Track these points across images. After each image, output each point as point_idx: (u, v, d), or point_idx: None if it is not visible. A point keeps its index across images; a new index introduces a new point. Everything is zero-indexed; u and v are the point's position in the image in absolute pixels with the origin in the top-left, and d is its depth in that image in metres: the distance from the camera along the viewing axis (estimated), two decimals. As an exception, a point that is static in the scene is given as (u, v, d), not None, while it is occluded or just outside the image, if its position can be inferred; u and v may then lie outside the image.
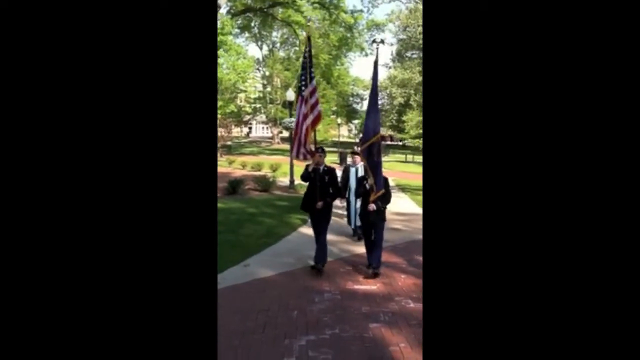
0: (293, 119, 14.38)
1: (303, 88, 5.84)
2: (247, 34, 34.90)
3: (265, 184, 11.79)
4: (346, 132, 54.05)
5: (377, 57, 5.47)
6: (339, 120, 39.65)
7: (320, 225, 5.26)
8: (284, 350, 3.21)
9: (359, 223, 6.23)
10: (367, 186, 5.06)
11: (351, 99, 46.25)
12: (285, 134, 22.98)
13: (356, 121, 49.12)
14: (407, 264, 5.60)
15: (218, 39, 19.71)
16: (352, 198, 6.59)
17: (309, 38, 6.23)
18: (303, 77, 5.90)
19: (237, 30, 30.16)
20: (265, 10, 26.29)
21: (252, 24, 32.64)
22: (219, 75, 19.71)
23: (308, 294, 4.43)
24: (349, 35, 31.48)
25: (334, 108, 39.66)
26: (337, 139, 38.36)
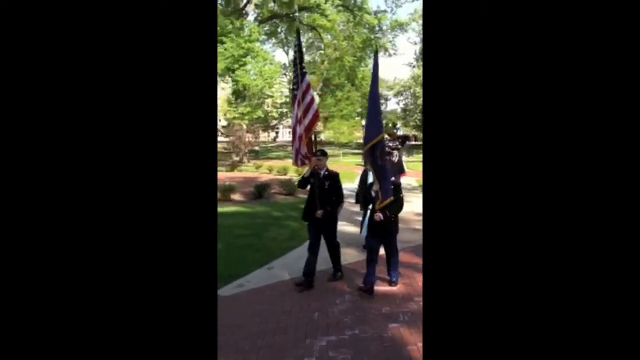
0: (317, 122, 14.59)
1: (295, 87, 5.12)
2: (273, 40, 35.35)
3: (290, 187, 11.96)
4: (372, 133, 53.61)
5: (376, 47, 5.43)
6: (363, 122, 39.56)
7: (327, 233, 4.90)
8: (304, 351, 3.33)
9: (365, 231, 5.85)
10: (373, 193, 4.59)
11: (376, 100, 45.97)
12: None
13: (382, 122, 48.77)
14: (429, 265, 5.62)
15: (246, 46, 20.07)
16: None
17: (298, 31, 5.62)
18: (295, 76, 5.17)
19: (264, 37, 30.63)
20: (291, 15, 26.60)
21: (279, 30, 33.05)
22: (246, 81, 20.03)
23: (329, 296, 4.53)
24: (372, 36, 31.44)
25: (359, 109, 39.53)
26: (361, 141, 38.28)
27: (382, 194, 4.41)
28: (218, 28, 20.03)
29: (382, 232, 4.57)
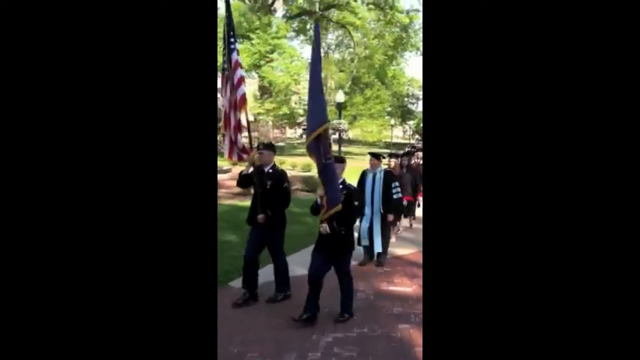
0: (342, 121, 14.41)
1: (226, 66, 4.16)
2: (302, 37, 35.51)
3: (313, 184, 11.94)
4: (401, 132, 53.37)
5: (317, 21, 4.86)
6: (392, 121, 39.26)
7: (271, 246, 4.24)
8: (310, 346, 3.30)
9: (364, 242, 5.43)
10: (318, 199, 3.63)
11: (406, 99, 45.66)
12: (336, 135, 23.23)
13: (411, 122, 48.37)
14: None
15: (272, 42, 20.17)
16: (367, 211, 5.43)
17: (227, 1, 4.36)
18: (224, 53, 4.20)
19: (292, 34, 30.77)
20: (320, 12, 26.61)
21: (308, 27, 33.16)
22: (272, 78, 20.15)
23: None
24: (404, 35, 31.10)
25: (389, 109, 39.26)
26: (389, 140, 38.08)
27: (327, 200, 3.47)
28: (245, 24, 20.17)
29: (329, 250, 3.68)
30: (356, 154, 30.51)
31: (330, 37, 38.47)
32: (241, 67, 4.19)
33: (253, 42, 19.83)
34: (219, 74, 4.29)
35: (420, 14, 30.78)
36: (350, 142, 37.93)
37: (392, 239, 6.31)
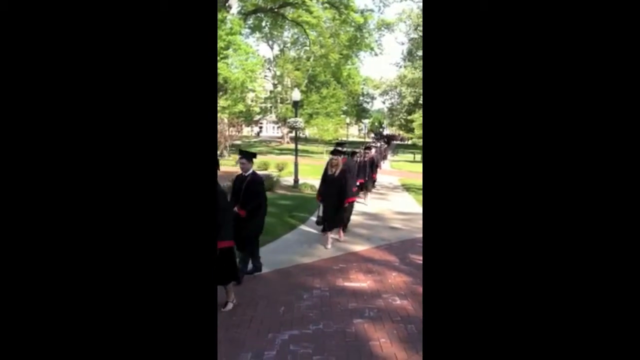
0: (298, 119, 14.53)
1: None
2: (258, 34, 35.15)
3: (269, 183, 11.90)
4: (356, 131, 54.08)
5: None
6: (347, 120, 39.75)
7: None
8: (265, 344, 3.30)
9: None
10: None
11: (361, 98, 46.35)
12: (292, 133, 23.15)
13: (366, 120, 49.11)
14: (400, 262, 5.65)
15: (227, 39, 19.84)
16: None
17: None
18: None
19: (247, 30, 30.39)
20: (275, 10, 26.43)
21: (263, 24, 32.85)
22: (226, 74, 19.79)
23: (298, 291, 4.51)
24: (359, 34, 31.50)
25: (344, 107, 39.71)
26: (346, 138, 38.49)
27: None
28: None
29: None
30: (315, 152, 30.50)
31: (286, 35, 38.39)
32: None
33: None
34: None
35: (375, 14, 31.33)
36: (307, 140, 38.05)
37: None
